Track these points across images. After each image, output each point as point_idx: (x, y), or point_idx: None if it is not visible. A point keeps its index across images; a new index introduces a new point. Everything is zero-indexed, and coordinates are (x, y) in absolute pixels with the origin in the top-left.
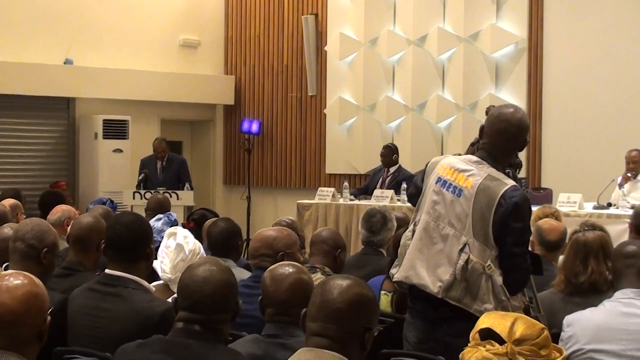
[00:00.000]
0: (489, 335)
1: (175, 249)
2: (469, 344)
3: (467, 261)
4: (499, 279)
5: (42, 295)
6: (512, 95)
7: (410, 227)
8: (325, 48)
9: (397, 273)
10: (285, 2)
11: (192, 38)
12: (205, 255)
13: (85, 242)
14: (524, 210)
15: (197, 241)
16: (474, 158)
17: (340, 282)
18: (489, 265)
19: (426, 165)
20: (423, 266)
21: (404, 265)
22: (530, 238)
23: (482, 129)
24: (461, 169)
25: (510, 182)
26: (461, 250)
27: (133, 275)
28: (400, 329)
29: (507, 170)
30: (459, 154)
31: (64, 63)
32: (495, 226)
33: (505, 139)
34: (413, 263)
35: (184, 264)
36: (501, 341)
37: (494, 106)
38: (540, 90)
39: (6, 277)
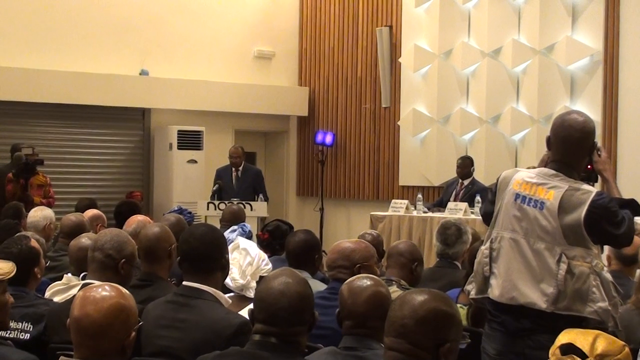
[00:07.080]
0: (569, 350)
1: (241, 255)
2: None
3: (569, 269)
4: (607, 275)
5: (129, 308)
6: (588, 108)
7: (487, 244)
8: (400, 60)
9: (494, 294)
10: (360, 14)
11: (267, 49)
12: (270, 263)
13: (155, 252)
14: (614, 209)
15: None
16: (550, 171)
17: (414, 297)
18: (596, 263)
19: (497, 181)
20: (526, 284)
21: (503, 286)
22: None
23: (548, 140)
24: (539, 183)
25: (593, 189)
26: (558, 260)
27: (209, 286)
28: (477, 343)
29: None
30: (533, 167)
31: (140, 74)
32: (591, 234)
33: (572, 146)
34: (515, 283)
35: (252, 268)
36: (582, 356)
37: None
38: (616, 103)
39: (95, 288)
